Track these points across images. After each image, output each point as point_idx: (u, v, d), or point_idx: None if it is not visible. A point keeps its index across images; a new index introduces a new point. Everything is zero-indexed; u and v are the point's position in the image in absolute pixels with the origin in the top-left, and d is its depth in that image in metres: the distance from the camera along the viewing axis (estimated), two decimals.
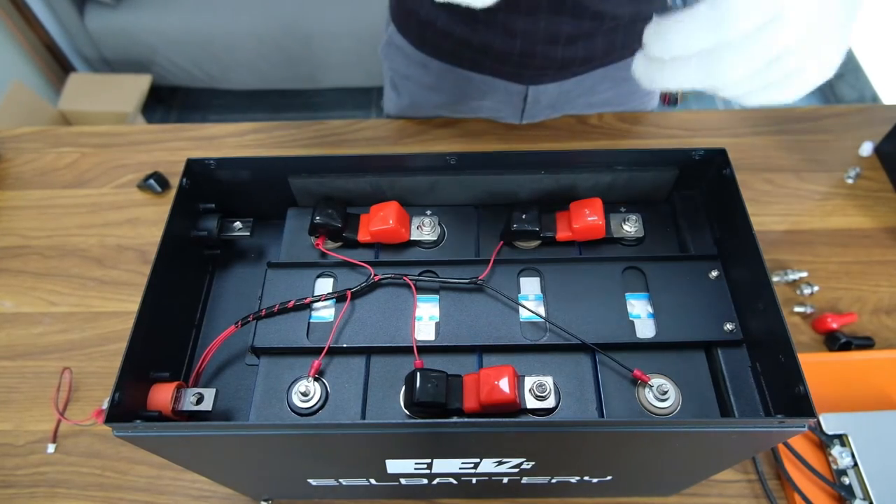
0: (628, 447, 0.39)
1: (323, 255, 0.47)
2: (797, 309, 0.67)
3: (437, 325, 0.43)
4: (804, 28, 0.31)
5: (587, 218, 0.45)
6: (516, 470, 0.45)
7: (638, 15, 0.67)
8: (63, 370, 0.65)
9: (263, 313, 0.43)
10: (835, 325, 0.65)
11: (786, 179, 0.77)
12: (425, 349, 0.42)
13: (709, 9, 0.30)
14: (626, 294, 0.44)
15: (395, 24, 0.78)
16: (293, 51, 1.94)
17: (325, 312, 0.44)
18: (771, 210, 0.74)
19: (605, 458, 0.43)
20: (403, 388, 0.40)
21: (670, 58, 0.32)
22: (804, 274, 0.69)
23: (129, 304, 0.70)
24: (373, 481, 0.50)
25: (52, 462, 0.61)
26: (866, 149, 0.78)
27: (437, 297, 0.44)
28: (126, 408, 0.36)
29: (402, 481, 0.49)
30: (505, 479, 0.48)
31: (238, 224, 0.48)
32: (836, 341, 0.64)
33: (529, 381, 0.39)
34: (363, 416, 0.41)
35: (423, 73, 0.79)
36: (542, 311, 0.43)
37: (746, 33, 0.30)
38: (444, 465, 0.44)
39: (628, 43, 0.72)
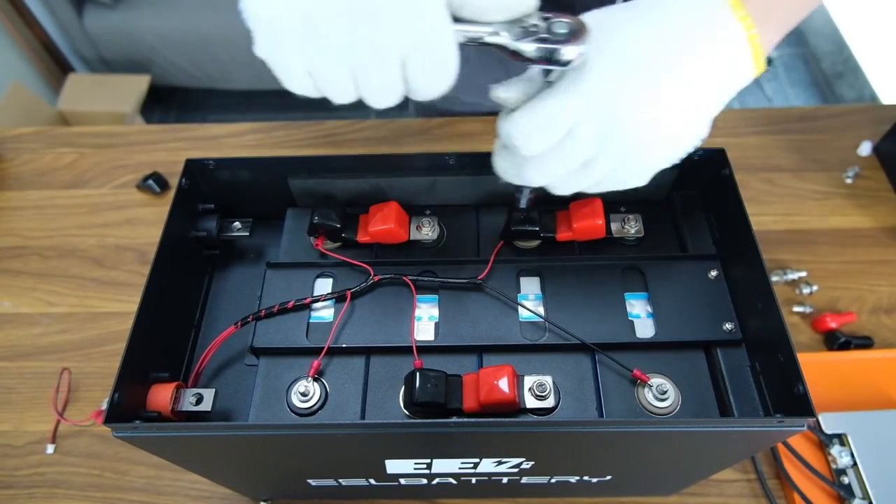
0: (628, 447, 0.39)
1: (322, 255, 0.47)
2: (796, 308, 0.67)
3: (437, 325, 0.43)
4: (598, 140, 0.33)
5: (587, 218, 0.45)
6: (516, 470, 0.45)
7: None
8: (62, 370, 0.65)
9: (263, 314, 0.43)
10: (834, 325, 0.65)
11: (785, 179, 0.77)
12: (425, 349, 0.42)
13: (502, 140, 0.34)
14: (626, 294, 0.44)
15: None
16: None
17: (324, 312, 0.44)
18: (770, 210, 0.74)
19: (605, 458, 0.43)
20: (403, 388, 0.40)
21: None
22: (803, 273, 0.69)
23: (129, 304, 0.70)
24: (372, 481, 0.50)
25: (52, 462, 0.61)
26: (865, 148, 0.78)
27: (436, 297, 0.44)
28: (125, 408, 0.36)
29: (402, 481, 0.49)
30: (504, 479, 0.48)
31: (237, 224, 0.48)
32: (835, 341, 0.64)
33: (529, 381, 0.39)
34: (363, 417, 0.41)
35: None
36: (541, 310, 0.43)
37: (539, 153, 0.34)
38: (443, 465, 0.44)
39: None
